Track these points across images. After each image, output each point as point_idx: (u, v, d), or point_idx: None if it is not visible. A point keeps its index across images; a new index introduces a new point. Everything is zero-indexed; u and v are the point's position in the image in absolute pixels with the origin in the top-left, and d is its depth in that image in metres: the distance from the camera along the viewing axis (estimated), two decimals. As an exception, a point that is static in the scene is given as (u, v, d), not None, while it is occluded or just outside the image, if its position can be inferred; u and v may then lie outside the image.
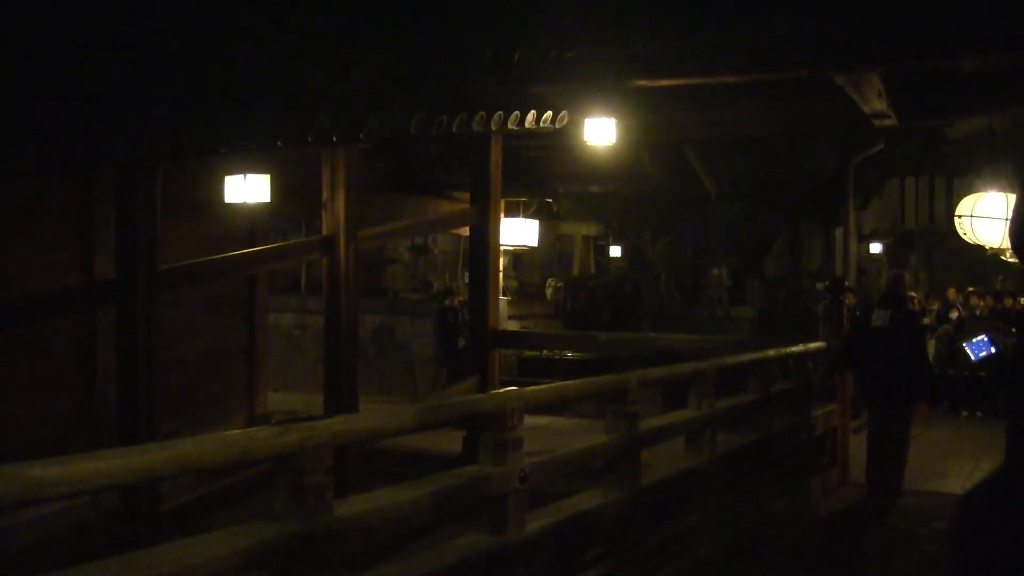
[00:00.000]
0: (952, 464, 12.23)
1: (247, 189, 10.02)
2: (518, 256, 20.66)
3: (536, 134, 11.37)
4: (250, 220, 12.19)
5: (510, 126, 10.38)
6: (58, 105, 7.69)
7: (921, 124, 14.21)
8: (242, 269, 11.18)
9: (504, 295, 15.62)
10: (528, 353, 17.49)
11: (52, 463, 3.19)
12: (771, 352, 9.67)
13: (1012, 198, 12.77)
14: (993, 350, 11.65)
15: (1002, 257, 13.72)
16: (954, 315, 18.50)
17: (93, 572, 3.56)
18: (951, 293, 19.90)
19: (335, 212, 9.73)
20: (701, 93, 11.99)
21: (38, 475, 3.09)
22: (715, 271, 22.50)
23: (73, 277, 9.91)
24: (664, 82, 11.01)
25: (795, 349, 10.49)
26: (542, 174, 16.81)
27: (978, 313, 17.86)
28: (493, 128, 10.28)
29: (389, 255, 20.52)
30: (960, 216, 13.47)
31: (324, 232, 9.84)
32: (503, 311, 14.62)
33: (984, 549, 3.48)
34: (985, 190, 13.30)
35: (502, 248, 12.77)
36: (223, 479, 9.19)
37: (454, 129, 9.75)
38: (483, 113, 9.99)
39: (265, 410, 12.70)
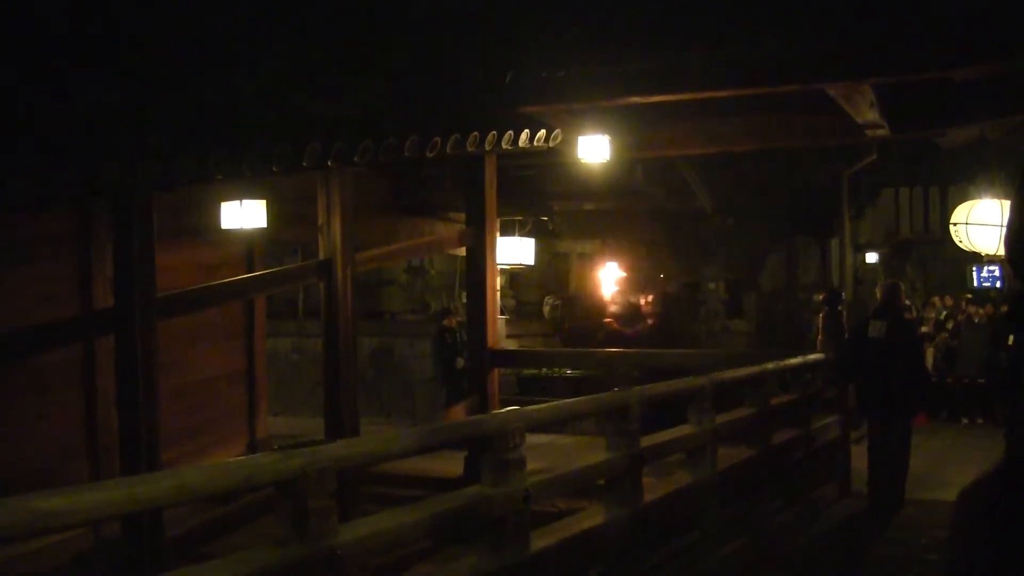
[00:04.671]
0: (953, 473, 12.21)
1: (243, 215, 10.03)
2: (515, 275, 20.70)
3: (530, 153, 11.39)
4: (247, 246, 12.20)
5: (504, 146, 10.40)
6: (51, 134, 7.71)
7: (914, 134, 14.25)
8: (240, 295, 11.18)
9: (502, 314, 15.62)
10: (527, 371, 17.50)
11: (57, 494, 3.20)
12: (770, 365, 9.68)
13: (1007, 205, 12.83)
14: None
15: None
16: (950, 324, 18.53)
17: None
18: (948, 300, 19.94)
19: (331, 236, 9.74)
20: (694, 108, 12.01)
21: (44, 506, 3.10)
22: (711, 285, 22.53)
23: (71, 307, 9.91)
24: (656, 98, 11.02)
25: (794, 361, 10.50)
26: (537, 193, 16.83)
27: (976, 321, 17.89)
28: (487, 148, 10.31)
29: (386, 277, 20.52)
30: (956, 224, 13.50)
31: (321, 256, 9.84)
32: (501, 330, 14.61)
33: (989, 542, 3.48)
34: (979, 197, 13.34)
35: (499, 267, 12.77)
36: (226, 505, 9.18)
37: (448, 150, 9.77)
38: (477, 133, 10.01)
39: (265, 435, 12.69)
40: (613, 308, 14.45)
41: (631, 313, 14.71)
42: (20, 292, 9.56)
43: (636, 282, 20.23)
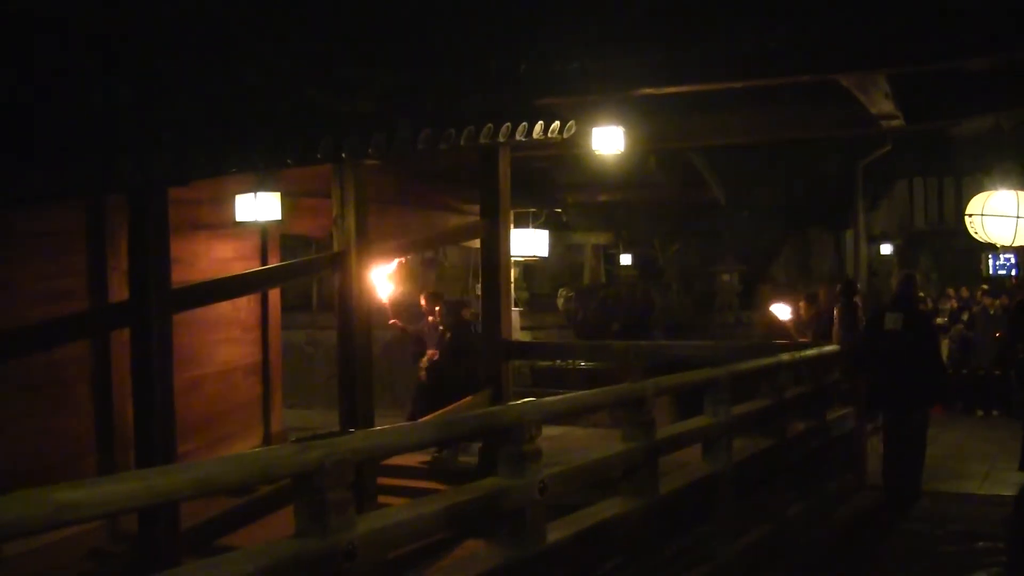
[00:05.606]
0: (969, 465, 12.20)
1: (257, 208, 10.04)
2: (529, 267, 20.68)
3: (544, 145, 11.38)
4: (261, 238, 12.22)
5: (518, 137, 10.38)
6: (66, 130, 7.72)
7: (929, 124, 14.21)
8: (254, 287, 11.19)
9: (516, 306, 15.60)
10: (541, 363, 17.49)
11: (78, 486, 3.20)
12: (785, 357, 9.65)
13: (1023, 196, 12.80)
14: None
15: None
16: (966, 316, 18.48)
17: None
18: (964, 292, 19.89)
19: (345, 228, 9.72)
20: (707, 100, 12.00)
21: (65, 498, 3.10)
22: (725, 277, 22.52)
23: (86, 301, 9.94)
24: (670, 90, 11.02)
25: (809, 353, 10.47)
26: (551, 184, 16.83)
27: (992, 312, 17.82)
28: (501, 140, 10.29)
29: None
30: (971, 215, 13.47)
31: (335, 248, 9.84)
32: (515, 322, 14.60)
33: None
34: (995, 188, 13.30)
35: (512, 259, 12.75)
36: (243, 497, 9.19)
37: (462, 142, 9.75)
38: (490, 125, 9.99)
39: (280, 427, 12.72)
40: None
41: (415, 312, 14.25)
42: (36, 286, 9.59)
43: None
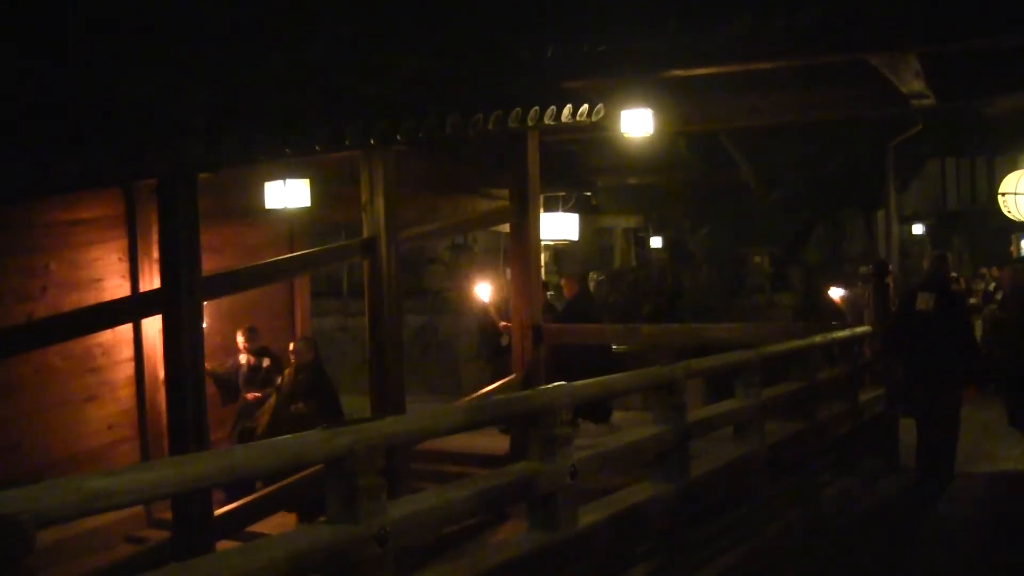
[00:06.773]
0: (1003, 446, 12.12)
1: (286, 194, 10.05)
2: (559, 251, 20.64)
3: (572, 128, 11.34)
4: (289, 225, 12.23)
5: (546, 121, 10.36)
6: (97, 120, 7.75)
7: (960, 103, 14.09)
8: (284, 275, 11.20)
9: (546, 290, 15.57)
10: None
11: (108, 474, 3.21)
12: (817, 339, 9.61)
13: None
14: None
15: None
16: (999, 296, 18.31)
17: (151, 580, 3.57)
18: (996, 272, 19.73)
19: (375, 214, 9.72)
20: (737, 81, 11.93)
21: (95, 487, 3.11)
22: (756, 259, 22.41)
23: (118, 289, 9.99)
24: (699, 71, 10.96)
25: (841, 335, 10.42)
26: (580, 168, 16.76)
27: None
28: (529, 124, 10.27)
29: (429, 255, 20.51)
30: (1004, 194, 13.36)
31: (364, 235, 9.84)
32: (545, 306, 14.56)
33: None
34: (1028, 167, 13.19)
35: (542, 243, 12.73)
36: (274, 484, 9.22)
37: (490, 127, 9.74)
38: (519, 109, 9.98)
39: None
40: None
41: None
42: (69, 275, 9.64)
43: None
